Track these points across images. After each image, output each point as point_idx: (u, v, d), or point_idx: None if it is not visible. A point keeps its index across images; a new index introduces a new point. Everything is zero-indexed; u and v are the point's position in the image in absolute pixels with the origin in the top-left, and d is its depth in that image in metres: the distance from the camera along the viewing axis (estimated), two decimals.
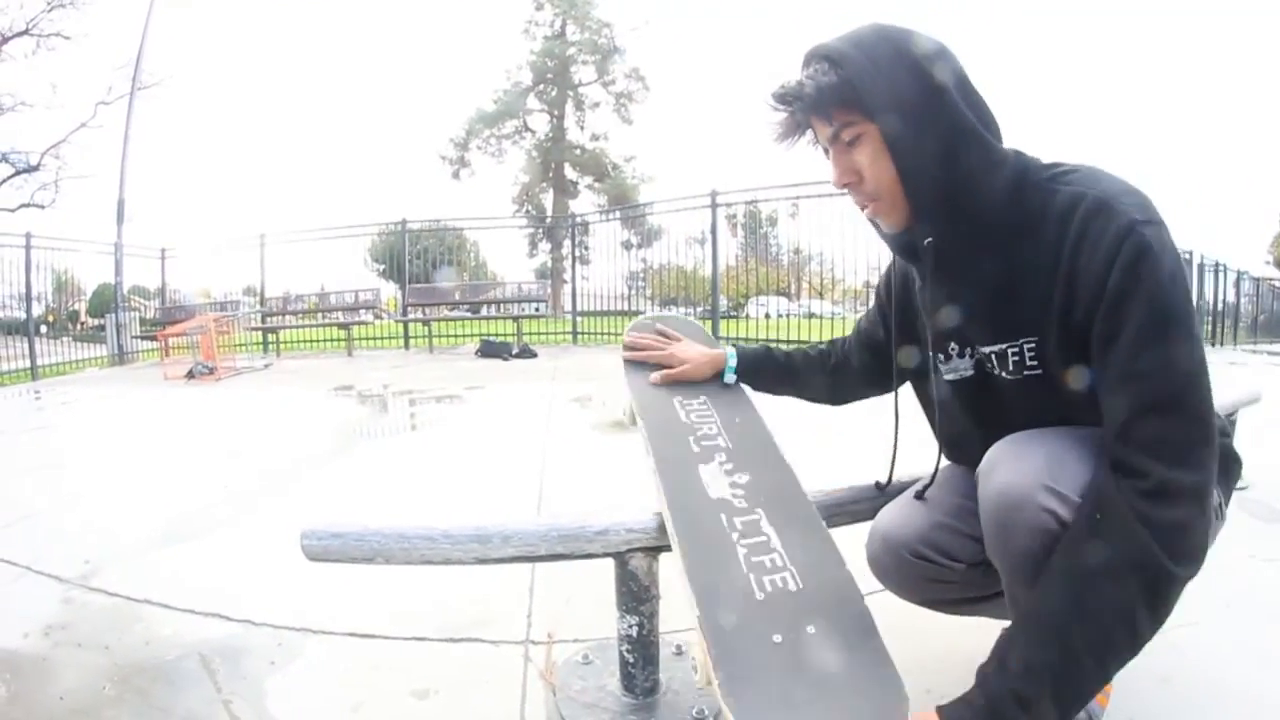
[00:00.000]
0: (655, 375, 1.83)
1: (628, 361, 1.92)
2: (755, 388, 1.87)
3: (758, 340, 11.35)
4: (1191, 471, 1.04)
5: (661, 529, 1.44)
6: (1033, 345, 1.25)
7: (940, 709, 0.99)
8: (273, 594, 2.25)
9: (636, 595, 1.51)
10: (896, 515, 1.52)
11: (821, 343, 1.90)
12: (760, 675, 1.05)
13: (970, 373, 1.39)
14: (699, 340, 1.97)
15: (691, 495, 1.44)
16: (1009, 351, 1.29)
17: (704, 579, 1.24)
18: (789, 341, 10.95)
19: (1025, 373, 1.27)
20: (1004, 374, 1.31)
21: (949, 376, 1.44)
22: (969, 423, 1.44)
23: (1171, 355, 1.07)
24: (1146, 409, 1.06)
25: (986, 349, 1.33)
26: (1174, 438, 1.05)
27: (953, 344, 1.41)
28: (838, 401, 1.89)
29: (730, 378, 1.84)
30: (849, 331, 1.85)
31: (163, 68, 25.14)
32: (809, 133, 1.33)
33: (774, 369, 1.85)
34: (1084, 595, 1.04)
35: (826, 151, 1.33)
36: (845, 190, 1.31)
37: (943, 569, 1.43)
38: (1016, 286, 1.24)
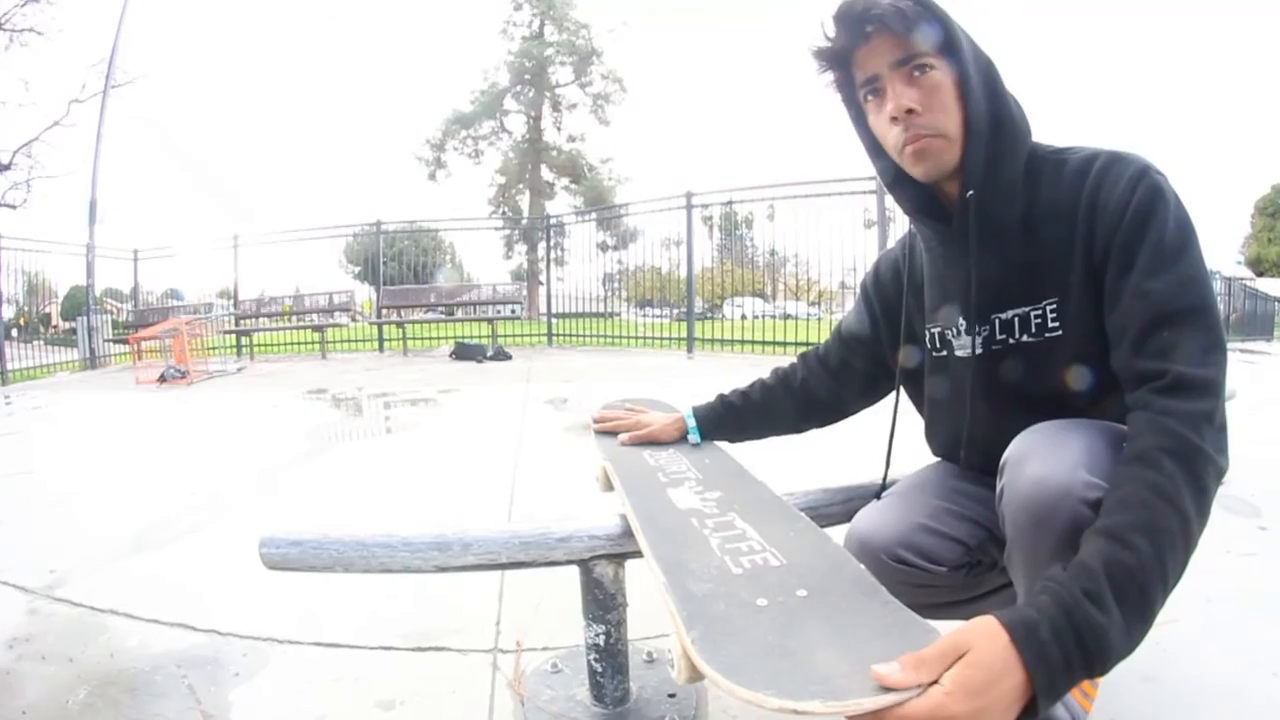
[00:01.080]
0: (624, 436, 1.84)
1: (598, 432, 1.94)
2: (726, 438, 1.84)
3: (732, 340, 11.42)
4: (1206, 369, 1.05)
5: (626, 534, 1.42)
6: (1054, 305, 1.27)
7: (997, 615, 0.86)
8: (240, 602, 2.24)
9: (603, 603, 1.50)
10: (874, 518, 1.49)
11: (781, 367, 1.86)
12: (743, 633, 0.91)
13: (980, 350, 1.39)
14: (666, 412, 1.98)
15: (657, 505, 1.40)
16: (1031, 314, 1.31)
17: (671, 557, 1.15)
18: (766, 343, 10.99)
19: (1046, 334, 1.29)
20: (1025, 338, 1.32)
21: (961, 353, 1.43)
22: (979, 405, 1.41)
23: (1182, 276, 1.10)
24: (1159, 321, 1.09)
25: (1008, 314, 1.34)
26: (1186, 343, 1.07)
27: (963, 318, 1.40)
28: (816, 420, 1.83)
29: (694, 437, 1.82)
30: (825, 333, 1.83)
31: (137, 65, 24.86)
32: (830, 74, 1.35)
33: (734, 414, 1.82)
34: (1126, 490, 0.98)
35: (860, 86, 1.31)
36: (907, 116, 1.25)
37: (924, 573, 1.41)
38: (1037, 248, 1.27)
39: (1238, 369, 10.02)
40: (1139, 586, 0.90)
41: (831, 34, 1.29)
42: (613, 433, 1.89)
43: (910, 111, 1.24)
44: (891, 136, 1.29)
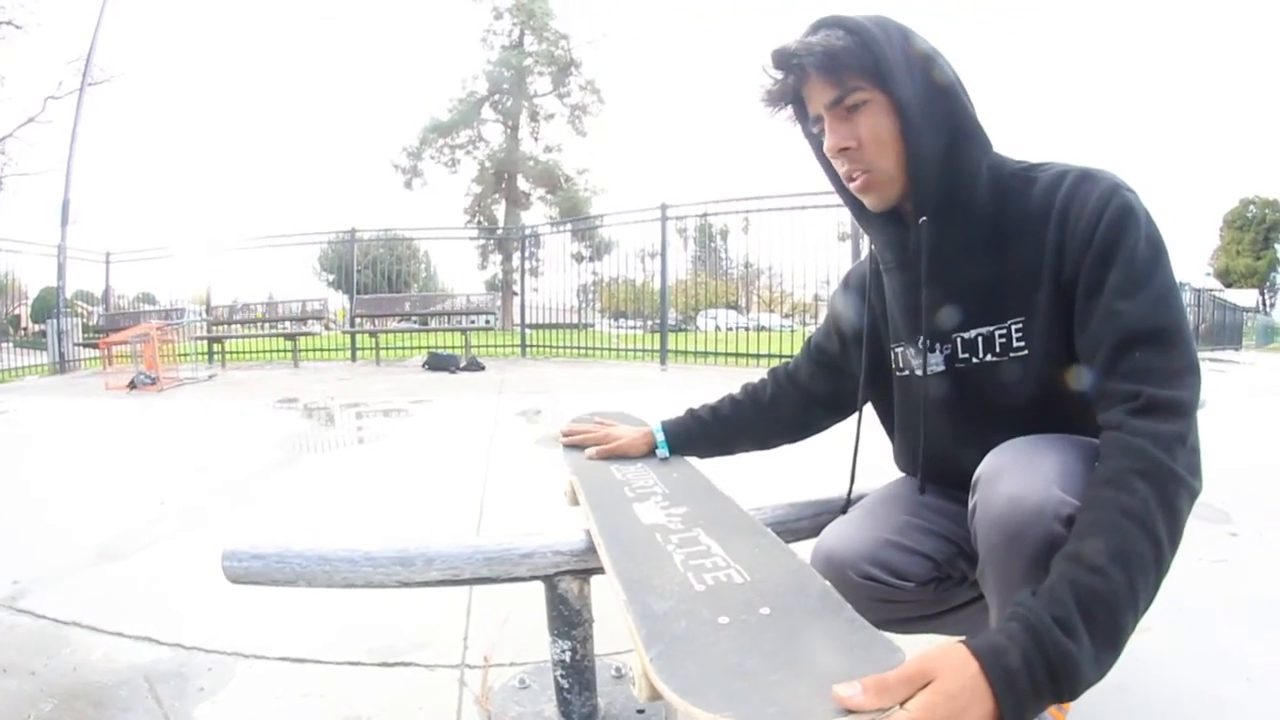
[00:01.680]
0: (592, 450, 1.83)
1: (566, 446, 1.93)
2: (695, 453, 1.83)
3: (705, 352, 11.45)
4: (1179, 390, 1.04)
5: (591, 550, 1.41)
6: (1020, 325, 1.27)
7: (963, 641, 0.86)
8: (207, 615, 2.21)
9: (568, 619, 1.50)
10: (841, 533, 1.47)
11: (751, 383, 1.86)
12: (703, 651, 0.89)
13: (940, 368, 1.38)
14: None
15: (622, 520, 1.38)
16: (996, 333, 1.30)
17: (632, 573, 1.14)
18: (740, 355, 11.04)
19: (1011, 354, 1.28)
20: (989, 357, 1.31)
21: (920, 373, 1.42)
22: (942, 424, 1.41)
23: (1154, 296, 1.09)
24: (1131, 342, 1.08)
25: (971, 333, 1.33)
26: (1159, 364, 1.06)
27: (925, 338, 1.39)
28: (786, 436, 1.83)
29: (663, 451, 1.81)
30: (799, 345, 1.83)
31: (115, 64, 24.56)
32: (788, 109, 1.36)
33: (703, 428, 1.81)
34: (1097, 513, 0.97)
35: (811, 123, 1.33)
36: (841, 154, 1.28)
37: (893, 589, 1.39)
38: (1003, 267, 1.27)
39: (1208, 378, 10.14)
40: (1110, 614, 0.89)
41: (774, 77, 1.31)
42: (581, 446, 1.88)
43: (844, 149, 1.27)
44: (838, 170, 1.33)
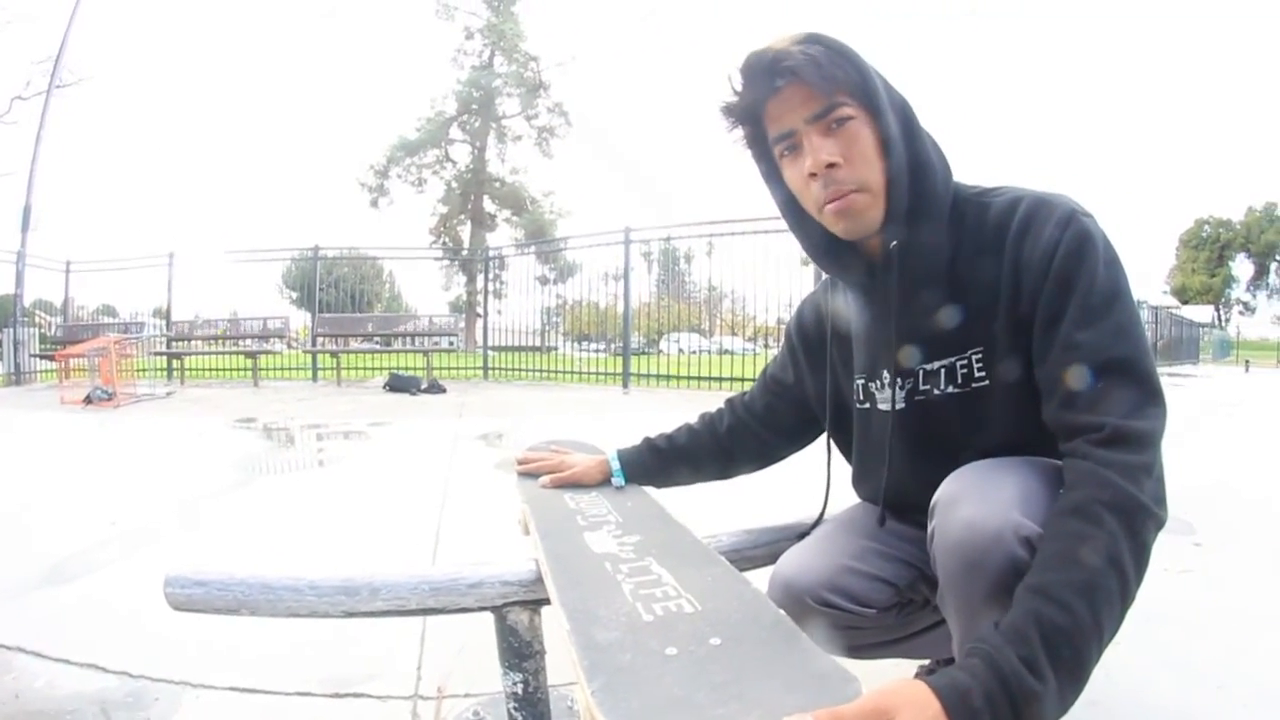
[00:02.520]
0: (545, 479, 1.79)
1: (521, 475, 1.89)
2: (651, 483, 1.80)
3: (669, 375, 11.47)
4: (1144, 421, 1.03)
5: (540, 580, 1.37)
6: (980, 355, 1.24)
7: (924, 679, 0.83)
8: (155, 642, 2.17)
9: (519, 651, 1.47)
10: (798, 560, 1.44)
11: (708, 412, 1.83)
12: (649, 684, 0.86)
13: (902, 405, 1.35)
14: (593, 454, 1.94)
15: (571, 548, 1.35)
16: (957, 364, 1.27)
17: (578, 603, 1.10)
18: (703, 379, 11.08)
19: (973, 385, 1.25)
20: (951, 388, 1.28)
21: (883, 406, 1.39)
22: (904, 457, 1.37)
23: (1114, 326, 1.07)
24: (1092, 374, 1.06)
25: (932, 364, 1.30)
26: (1122, 395, 1.04)
27: (885, 370, 1.37)
28: (743, 466, 1.79)
29: (619, 480, 1.77)
30: (760, 369, 1.81)
31: (85, 67, 24.14)
32: (739, 130, 1.30)
33: (659, 458, 1.77)
34: (1063, 544, 0.95)
35: (775, 141, 1.26)
36: (827, 171, 1.19)
37: (853, 616, 1.36)
38: (961, 297, 1.24)
39: (1168, 392, 10.40)
40: (1075, 650, 0.88)
41: (740, 88, 1.24)
42: (536, 475, 1.85)
43: (831, 166, 1.19)
44: (810, 193, 1.24)
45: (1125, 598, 0.94)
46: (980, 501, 1.09)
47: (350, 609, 1.36)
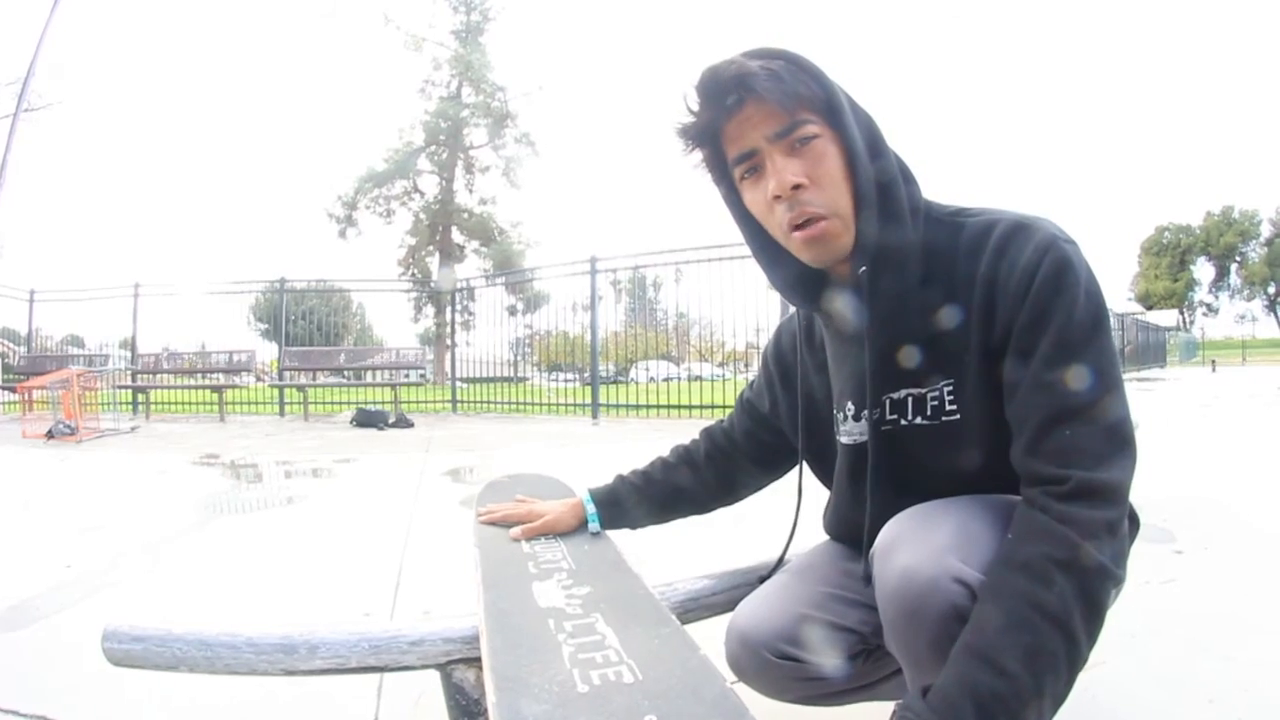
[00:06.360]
0: (516, 530, 1.66)
1: (481, 524, 1.76)
2: (629, 524, 1.71)
3: (638, 405, 11.44)
4: (1110, 472, 0.98)
5: None
6: (950, 387, 1.18)
7: None
8: (107, 694, 2.10)
9: (467, 710, 1.41)
10: (754, 610, 1.38)
11: (683, 444, 1.75)
12: None
13: (863, 438, 1.28)
14: (560, 495, 1.87)
15: (515, 602, 1.31)
16: (927, 396, 1.21)
17: (509, 669, 1.05)
18: (673, 407, 11.06)
19: (943, 418, 1.19)
20: (919, 420, 1.22)
21: (846, 440, 1.34)
22: (871, 491, 1.28)
23: (1087, 366, 1.02)
24: (1061, 417, 1.01)
25: (900, 393, 1.24)
26: (1090, 445, 0.99)
27: (850, 403, 1.32)
28: (724, 497, 1.71)
29: (594, 525, 1.67)
30: (732, 394, 1.79)
31: (53, 91, 23.84)
32: (697, 153, 1.23)
33: (635, 495, 1.68)
34: (1007, 604, 0.92)
35: (734, 163, 1.20)
36: (793, 193, 1.13)
37: (813, 667, 1.30)
38: (933, 325, 1.18)
39: (1138, 397, 10.50)
40: (1010, 716, 0.86)
41: (696, 107, 1.17)
42: (505, 525, 1.72)
43: (797, 187, 1.12)
44: (775, 218, 1.17)
45: (1074, 662, 0.92)
46: (916, 547, 1.06)
47: (289, 667, 1.32)
